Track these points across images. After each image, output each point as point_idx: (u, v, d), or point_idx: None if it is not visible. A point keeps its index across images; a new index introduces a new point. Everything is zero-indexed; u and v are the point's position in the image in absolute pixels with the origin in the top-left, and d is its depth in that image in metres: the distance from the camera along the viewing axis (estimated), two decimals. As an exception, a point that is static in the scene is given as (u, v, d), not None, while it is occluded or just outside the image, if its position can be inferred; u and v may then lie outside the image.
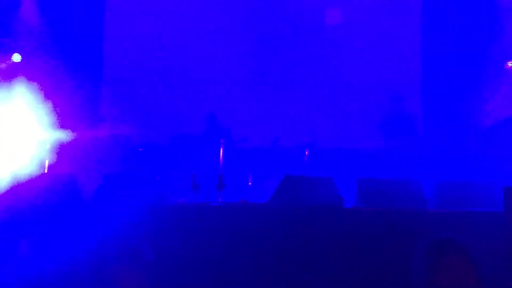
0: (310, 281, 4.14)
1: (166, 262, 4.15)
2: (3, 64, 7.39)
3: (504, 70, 7.93)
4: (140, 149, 7.90)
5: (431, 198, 4.88)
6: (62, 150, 6.73)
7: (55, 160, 6.46)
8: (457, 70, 8.46)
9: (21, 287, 3.98)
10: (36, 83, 7.51)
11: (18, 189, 4.50)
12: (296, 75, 8.90)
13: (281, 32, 9.03)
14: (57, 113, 7.28)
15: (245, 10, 9.07)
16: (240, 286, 4.14)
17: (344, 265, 4.16)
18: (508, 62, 7.84)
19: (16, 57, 7.83)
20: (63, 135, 6.88)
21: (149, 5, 9.07)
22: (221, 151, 6.18)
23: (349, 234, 4.22)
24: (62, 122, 7.26)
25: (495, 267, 3.66)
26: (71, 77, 8.07)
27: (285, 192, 4.55)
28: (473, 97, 8.17)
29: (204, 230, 4.25)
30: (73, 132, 6.97)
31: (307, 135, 7.80)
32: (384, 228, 4.24)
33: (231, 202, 6.10)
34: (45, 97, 7.39)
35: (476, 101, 8.12)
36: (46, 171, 6.16)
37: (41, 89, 7.42)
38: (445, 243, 2.78)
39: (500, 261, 3.57)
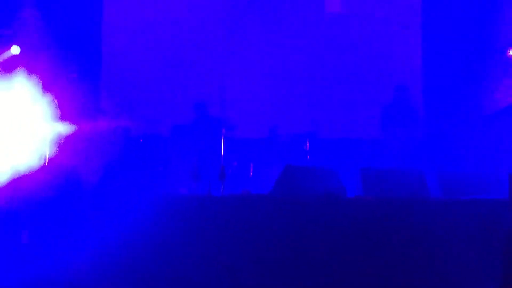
0: (313, 271, 4.13)
1: (168, 252, 4.14)
2: (2, 56, 7.36)
3: (505, 58, 7.90)
4: (141, 140, 7.88)
5: (434, 188, 4.86)
6: (62, 142, 6.70)
7: (55, 152, 6.44)
8: (458, 60, 8.44)
9: (23, 278, 3.97)
10: (35, 76, 7.47)
11: (19, 182, 4.48)
12: (298, 66, 8.85)
13: (281, 22, 8.97)
14: (57, 106, 7.25)
15: (245, 0, 9.02)
16: (243, 277, 4.13)
17: (347, 255, 4.15)
18: (510, 50, 7.80)
19: (15, 50, 7.79)
20: (63, 128, 6.85)
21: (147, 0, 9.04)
22: (222, 142, 6.15)
23: (352, 224, 4.20)
24: (62, 114, 7.23)
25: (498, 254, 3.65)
26: (70, 69, 8.04)
27: (286, 182, 4.53)
28: (475, 86, 8.14)
29: (206, 221, 4.23)
30: (73, 125, 6.93)
31: (309, 126, 7.76)
32: (388, 217, 4.22)
33: (233, 193, 6.09)
34: (44, 89, 7.35)
35: (477, 91, 8.10)
36: (46, 164, 6.14)
37: (41, 82, 7.38)
38: None
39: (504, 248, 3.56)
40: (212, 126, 7.00)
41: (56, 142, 6.52)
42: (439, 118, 7.85)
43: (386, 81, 8.14)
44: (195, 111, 7.72)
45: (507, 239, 3.48)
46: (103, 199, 4.36)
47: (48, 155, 6.24)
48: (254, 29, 8.97)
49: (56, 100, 7.25)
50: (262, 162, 7.65)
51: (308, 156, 7.39)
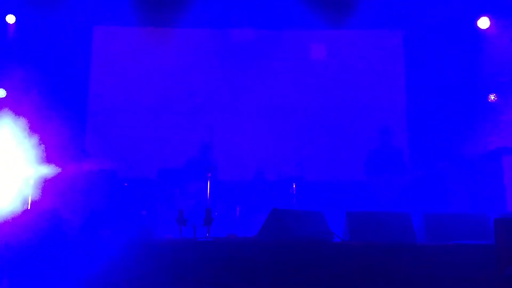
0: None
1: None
2: None
3: (488, 102, 8.05)
4: (126, 184, 7.82)
5: (420, 231, 4.85)
6: (46, 185, 6.62)
7: (39, 195, 6.35)
8: (442, 104, 8.59)
9: None
10: (21, 118, 7.45)
11: (2, 225, 4.40)
12: (284, 110, 8.95)
13: (268, 68, 9.11)
14: (42, 148, 7.21)
15: (230, 45, 9.16)
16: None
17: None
18: (490, 95, 7.95)
19: (1, 93, 7.80)
20: (48, 170, 6.78)
21: (133, 41, 9.13)
22: (208, 185, 6.11)
23: (339, 268, 4.16)
24: (47, 156, 7.17)
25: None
26: (56, 112, 8.03)
27: (273, 225, 4.50)
28: (459, 129, 8.27)
29: (192, 266, 4.16)
30: (58, 167, 6.87)
31: (295, 169, 7.77)
32: (375, 261, 4.19)
33: (219, 237, 6.02)
34: (30, 131, 7.32)
35: (461, 134, 8.22)
36: (29, 208, 6.04)
37: (26, 124, 7.36)
38: None
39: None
40: (198, 169, 6.97)
41: (40, 185, 6.44)
42: (425, 161, 7.92)
43: (371, 124, 8.23)
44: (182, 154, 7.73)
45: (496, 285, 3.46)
46: (86, 243, 4.28)
47: (31, 198, 6.16)
48: (241, 74, 9.08)
49: (41, 143, 7.22)
50: (249, 205, 7.60)
51: (294, 199, 7.36)
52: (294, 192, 7.40)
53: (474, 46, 8.39)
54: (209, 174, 6.20)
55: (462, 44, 8.55)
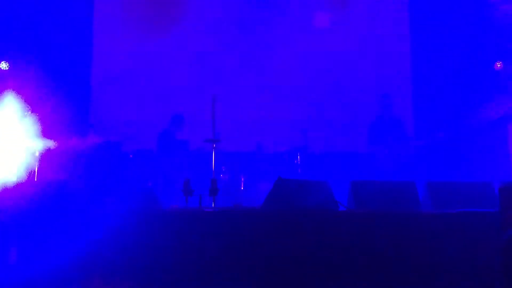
0: (306, 284, 4.10)
1: (159, 268, 4.10)
2: None
3: (493, 70, 7.98)
4: (131, 156, 7.84)
5: (424, 199, 4.86)
6: (51, 157, 6.64)
7: (44, 168, 6.38)
8: (448, 71, 8.52)
9: None
10: (24, 91, 7.43)
11: (7, 196, 4.42)
12: (288, 80, 8.91)
13: (271, 38, 9.03)
14: (46, 121, 7.20)
15: (234, 12, 9.07)
16: (235, 291, 4.09)
17: (339, 269, 4.12)
18: (497, 63, 7.87)
19: (4, 65, 7.75)
20: (52, 143, 6.79)
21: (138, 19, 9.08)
22: (213, 156, 6.12)
23: (344, 237, 4.18)
24: (52, 129, 7.18)
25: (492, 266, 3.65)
26: (60, 84, 8.01)
27: (278, 195, 4.51)
28: (464, 97, 8.23)
29: (198, 236, 4.19)
30: (62, 140, 6.89)
31: (299, 140, 7.75)
32: (379, 230, 4.21)
33: (224, 207, 6.05)
34: (33, 104, 7.31)
35: (467, 101, 8.18)
36: (35, 179, 6.08)
37: (30, 96, 7.34)
38: None
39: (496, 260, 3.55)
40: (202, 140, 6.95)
41: (45, 157, 6.46)
42: (429, 130, 7.88)
43: (375, 93, 8.16)
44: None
45: (502, 254, 3.47)
46: (93, 214, 4.31)
47: (37, 170, 6.18)
48: (244, 44, 9.01)
49: (45, 115, 7.21)
50: (253, 176, 7.63)
51: (299, 170, 7.38)
52: (299, 162, 7.41)
53: (481, 13, 8.28)
54: (214, 145, 6.20)
55: (468, 10, 8.45)
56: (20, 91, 7.19)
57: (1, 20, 8.12)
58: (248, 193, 7.36)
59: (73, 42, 8.71)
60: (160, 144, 7.50)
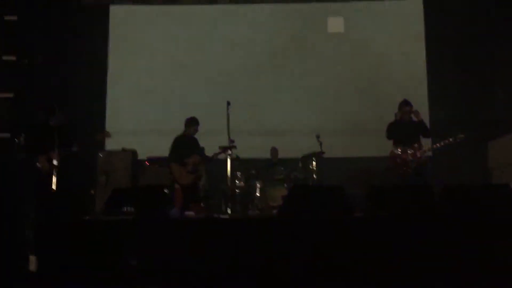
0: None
1: (176, 276, 4.12)
2: None
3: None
4: (147, 163, 7.92)
5: (440, 203, 4.82)
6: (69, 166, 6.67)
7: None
8: (462, 73, 8.53)
9: None
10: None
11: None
12: (303, 85, 8.97)
13: (288, 41, 9.10)
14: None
15: (248, 19, 9.17)
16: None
17: (356, 273, 4.11)
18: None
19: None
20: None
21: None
22: (229, 163, 6.14)
23: (361, 243, 4.17)
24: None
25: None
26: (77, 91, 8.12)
27: (294, 202, 4.51)
28: (477, 98, 8.23)
29: (214, 243, 4.21)
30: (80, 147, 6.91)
31: (314, 145, 7.70)
32: (395, 234, 4.19)
33: (239, 214, 6.06)
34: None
35: (479, 104, 8.17)
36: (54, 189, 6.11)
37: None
38: None
39: None
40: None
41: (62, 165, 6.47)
42: (445, 133, 7.80)
43: (391, 98, 8.11)
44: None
45: None
46: (112, 219, 4.36)
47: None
48: (259, 48, 9.08)
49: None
50: (269, 182, 7.60)
51: (314, 176, 7.33)
52: (314, 168, 7.36)
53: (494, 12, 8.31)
54: (230, 152, 6.22)
55: (482, 10, 8.47)
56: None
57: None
58: (263, 200, 7.33)
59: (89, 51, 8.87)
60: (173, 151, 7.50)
